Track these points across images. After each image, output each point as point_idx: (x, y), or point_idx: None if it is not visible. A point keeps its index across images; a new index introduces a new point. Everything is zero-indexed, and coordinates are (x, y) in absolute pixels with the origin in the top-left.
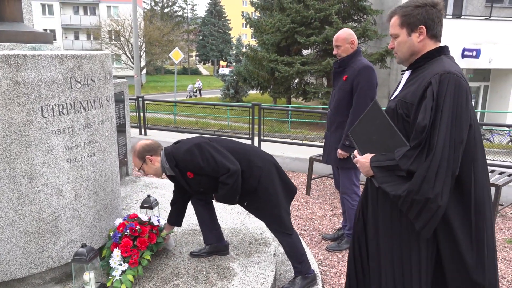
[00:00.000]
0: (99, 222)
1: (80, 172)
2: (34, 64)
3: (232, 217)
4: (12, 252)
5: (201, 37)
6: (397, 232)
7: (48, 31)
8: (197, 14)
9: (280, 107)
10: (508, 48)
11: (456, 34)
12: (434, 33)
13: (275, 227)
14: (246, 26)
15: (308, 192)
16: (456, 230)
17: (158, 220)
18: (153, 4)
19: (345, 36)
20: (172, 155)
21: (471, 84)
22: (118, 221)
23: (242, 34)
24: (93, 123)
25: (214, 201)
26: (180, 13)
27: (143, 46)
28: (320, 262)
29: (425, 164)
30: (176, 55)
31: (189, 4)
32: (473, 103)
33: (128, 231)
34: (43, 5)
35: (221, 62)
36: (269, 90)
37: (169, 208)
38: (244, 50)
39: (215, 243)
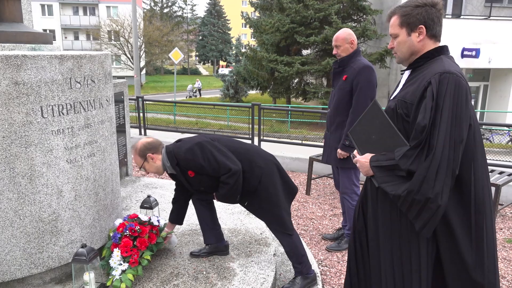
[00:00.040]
0: (99, 223)
1: (80, 172)
2: (33, 65)
3: (232, 217)
4: (12, 252)
5: (200, 37)
6: (397, 232)
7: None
8: (197, 14)
9: (280, 107)
10: (508, 48)
11: (455, 34)
12: (434, 33)
13: (276, 227)
14: (245, 26)
15: (308, 192)
16: (456, 230)
17: (158, 220)
18: (152, 4)
19: (344, 36)
20: (174, 154)
21: (470, 84)
22: (118, 221)
23: (242, 34)
24: (93, 123)
25: (215, 200)
26: (179, 13)
27: (143, 46)
28: (320, 262)
29: (425, 164)
30: (176, 55)
31: (188, 4)
32: (472, 102)
33: (128, 231)
34: (42, 6)
35: (221, 62)
36: (268, 90)
37: (169, 208)
38: (243, 50)
39: (215, 243)
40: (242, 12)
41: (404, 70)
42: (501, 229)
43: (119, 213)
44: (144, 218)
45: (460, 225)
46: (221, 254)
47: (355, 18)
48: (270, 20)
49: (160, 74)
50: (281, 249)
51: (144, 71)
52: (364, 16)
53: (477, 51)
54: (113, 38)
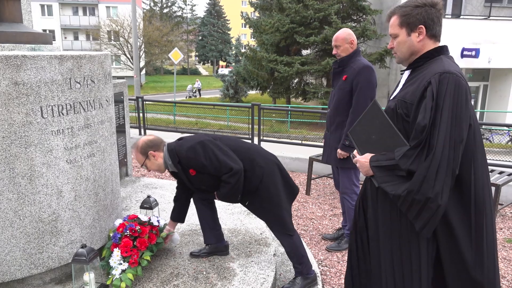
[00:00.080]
0: (99, 223)
1: (79, 172)
2: (33, 65)
3: (232, 217)
4: (12, 253)
5: (200, 38)
6: (397, 232)
7: (47, 31)
8: (196, 15)
9: (280, 107)
10: (507, 48)
11: (455, 34)
12: (434, 33)
13: (276, 228)
14: (245, 26)
15: (308, 192)
16: (456, 229)
17: (158, 221)
18: (152, 4)
19: (344, 36)
20: (175, 152)
21: (470, 84)
22: (118, 221)
23: (242, 34)
24: (93, 123)
25: (216, 200)
26: (179, 13)
27: (143, 46)
28: (320, 262)
29: (425, 164)
30: (176, 56)
31: (188, 5)
32: (472, 102)
33: (128, 231)
34: (42, 6)
35: (221, 62)
36: (268, 90)
37: (169, 209)
38: (243, 50)
39: (215, 244)
40: (241, 12)
41: (404, 70)
42: (501, 229)
43: (119, 214)
44: (144, 218)
45: (460, 225)
46: (221, 254)
47: (355, 18)
48: (270, 20)
49: (159, 74)
50: (281, 249)
51: (143, 71)
52: (364, 16)
53: (477, 51)
54: (112, 38)
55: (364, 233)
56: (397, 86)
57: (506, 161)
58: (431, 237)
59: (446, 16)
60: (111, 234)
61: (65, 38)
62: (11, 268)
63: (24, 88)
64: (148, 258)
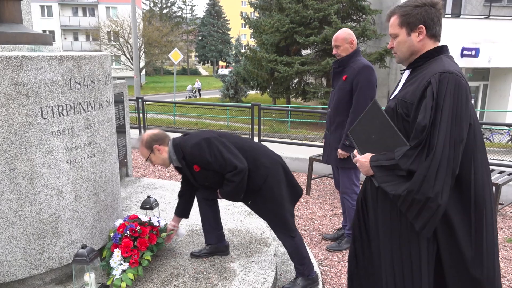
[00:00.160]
0: (99, 223)
1: (80, 173)
2: (33, 66)
3: (232, 217)
4: (12, 253)
5: (200, 38)
6: (396, 232)
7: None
8: (196, 15)
9: (280, 107)
10: (507, 47)
11: (455, 34)
12: (434, 33)
13: (278, 228)
14: (245, 27)
15: (308, 192)
16: (456, 228)
17: (158, 221)
18: (152, 5)
19: (344, 36)
20: (180, 147)
21: (470, 83)
22: (119, 222)
23: (241, 35)
24: (93, 124)
25: (219, 200)
26: (179, 13)
27: (142, 47)
28: (320, 262)
29: (425, 164)
30: (175, 56)
31: (188, 5)
32: (472, 102)
33: (128, 231)
34: (42, 6)
35: (221, 63)
36: (268, 90)
37: (169, 209)
38: (243, 50)
39: (216, 244)
40: (241, 13)
41: (404, 70)
42: (501, 228)
43: (119, 214)
44: (144, 218)
45: (461, 224)
46: (221, 254)
47: (355, 18)
48: (270, 20)
49: (159, 74)
50: (282, 249)
51: (143, 72)
52: (364, 16)
53: (477, 50)
54: (112, 38)
55: (365, 233)
56: (397, 85)
57: (506, 160)
58: (431, 237)
59: (446, 16)
60: (112, 235)
61: (65, 38)
62: (12, 268)
63: (24, 89)
64: (149, 258)
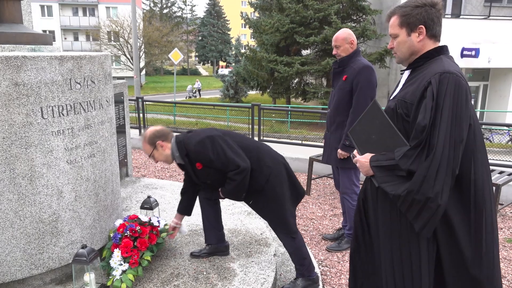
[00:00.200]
0: (99, 223)
1: (80, 173)
2: (33, 66)
3: (232, 217)
4: (12, 253)
5: (200, 38)
6: (396, 232)
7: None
8: (196, 15)
9: (280, 107)
10: (507, 47)
11: (455, 34)
12: (434, 33)
13: (279, 229)
14: (245, 27)
15: (308, 192)
16: (456, 228)
17: (158, 221)
18: (152, 5)
19: (344, 36)
20: (183, 144)
21: (470, 84)
22: (118, 222)
23: (241, 35)
24: (93, 124)
25: (220, 197)
26: (179, 13)
27: (142, 47)
28: (320, 262)
29: (425, 164)
30: (175, 56)
31: (188, 5)
32: (472, 102)
33: (128, 232)
34: (42, 6)
35: (221, 63)
36: (268, 91)
37: (169, 209)
38: (243, 50)
39: (216, 244)
40: (241, 13)
41: (404, 70)
42: (501, 228)
43: (119, 214)
44: (144, 218)
45: (461, 224)
46: (221, 254)
47: (355, 18)
48: (270, 21)
49: (159, 74)
50: (281, 249)
51: (143, 72)
52: (364, 16)
53: (477, 50)
54: (112, 38)
55: (366, 234)
56: (397, 86)
57: (506, 160)
58: (431, 237)
59: (446, 16)
60: (112, 235)
61: (65, 38)
62: (12, 268)
63: (24, 89)
64: (149, 258)
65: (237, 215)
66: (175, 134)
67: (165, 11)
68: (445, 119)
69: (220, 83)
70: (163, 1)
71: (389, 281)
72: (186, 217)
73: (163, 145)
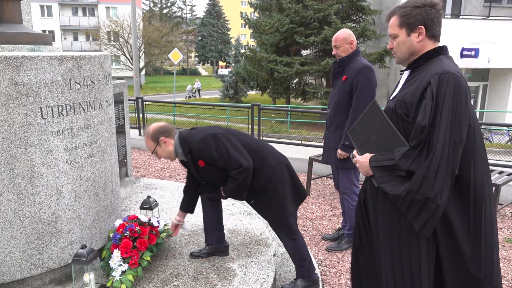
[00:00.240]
0: (99, 223)
1: (79, 173)
2: (33, 66)
3: (232, 217)
4: (11, 253)
5: (200, 38)
6: (396, 232)
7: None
8: (196, 15)
9: (280, 108)
10: (507, 48)
11: (454, 34)
12: (433, 33)
13: (279, 229)
14: (245, 27)
15: (307, 192)
16: (456, 228)
17: (158, 221)
18: (152, 5)
19: (344, 37)
20: (187, 141)
21: (470, 84)
22: (118, 222)
23: (241, 35)
24: (93, 124)
25: (222, 197)
26: (179, 13)
27: (142, 47)
28: (320, 262)
29: (425, 164)
30: (175, 56)
31: (188, 5)
32: (472, 102)
33: (128, 232)
34: (41, 6)
35: (220, 63)
36: (268, 91)
37: (168, 209)
38: (243, 50)
39: (216, 244)
40: (241, 13)
41: (404, 70)
42: (501, 228)
43: (119, 214)
44: (144, 219)
45: (460, 224)
46: (221, 254)
47: (354, 18)
48: (270, 21)
49: (159, 74)
50: (281, 250)
51: (143, 72)
52: (363, 16)
53: (476, 51)
54: (112, 38)
55: (367, 234)
56: (397, 86)
57: (505, 161)
58: (431, 237)
59: (446, 16)
60: (111, 235)
61: (65, 38)
62: (11, 269)
63: (24, 89)
64: (148, 258)
65: (236, 215)
66: (178, 130)
67: (164, 11)
68: (444, 119)
69: (220, 83)
70: (163, 1)
71: (389, 281)
72: (185, 218)
73: (166, 141)
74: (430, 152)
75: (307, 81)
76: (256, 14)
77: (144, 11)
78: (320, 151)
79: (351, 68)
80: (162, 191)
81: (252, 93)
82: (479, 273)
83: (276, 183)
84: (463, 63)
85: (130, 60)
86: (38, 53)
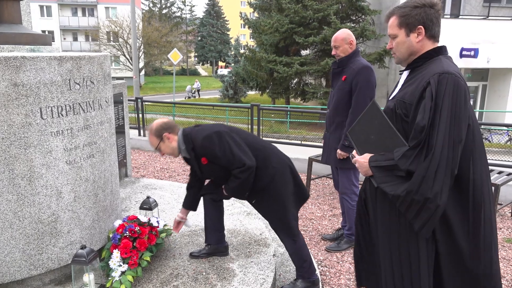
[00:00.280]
0: (99, 224)
1: (79, 173)
2: (33, 66)
3: (231, 218)
4: (11, 254)
5: (199, 38)
6: (395, 232)
7: (47, 32)
8: (196, 15)
9: (279, 108)
10: (506, 48)
11: (454, 34)
12: (433, 34)
13: (280, 230)
14: (244, 27)
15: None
16: (455, 228)
17: (157, 221)
18: (151, 5)
19: (343, 37)
20: (191, 138)
21: (469, 84)
22: (118, 222)
23: (241, 35)
24: (92, 124)
25: (224, 197)
26: (178, 14)
27: (142, 47)
28: (319, 263)
29: (424, 164)
30: (175, 56)
31: (187, 5)
32: (471, 102)
33: (127, 232)
34: (41, 7)
35: (220, 63)
36: (267, 91)
37: (168, 210)
38: (242, 51)
39: (215, 244)
40: (241, 13)
41: (403, 70)
42: (500, 228)
43: (118, 214)
44: (143, 219)
45: (460, 224)
46: (220, 255)
47: (354, 18)
48: (269, 21)
49: (159, 75)
50: (281, 250)
51: (143, 72)
52: (363, 16)
53: (476, 51)
54: (112, 39)
55: (367, 234)
56: (396, 86)
57: (505, 161)
58: (430, 237)
59: (445, 16)
60: (111, 235)
61: (64, 39)
62: (11, 269)
63: (23, 89)
64: (148, 258)
65: (236, 216)
66: (182, 127)
67: (164, 11)
68: (444, 119)
69: (219, 83)
70: (162, 1)
71: (388, 281)
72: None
73: (170, 137)
74: (430, 152)
75: (307, 81)
76: (256, 14)
77: (144, 11)
78: (319, 151)
79: (351, 68)
80: (162, 191)
81: (251, 93)
82: (479, 273)
83: (278, 183)
84: (462, 63)
85: (130, 60)
86: (37, 53)
